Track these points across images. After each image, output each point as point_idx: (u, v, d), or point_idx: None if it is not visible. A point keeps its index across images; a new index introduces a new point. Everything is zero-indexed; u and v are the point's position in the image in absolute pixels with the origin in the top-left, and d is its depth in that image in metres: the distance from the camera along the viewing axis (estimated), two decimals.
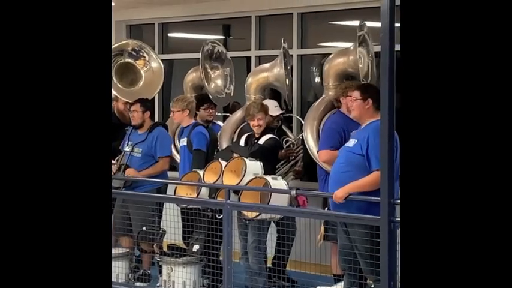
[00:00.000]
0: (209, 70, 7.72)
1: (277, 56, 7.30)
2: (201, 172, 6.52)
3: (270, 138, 6.62)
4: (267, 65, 7.44)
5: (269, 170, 6.34)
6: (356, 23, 8.13)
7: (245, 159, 6.27)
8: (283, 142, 7.10)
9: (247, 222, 6.32)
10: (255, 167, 6.20)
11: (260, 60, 8.45)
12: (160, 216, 7.04)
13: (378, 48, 5.41)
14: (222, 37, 9.25)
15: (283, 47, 7.25)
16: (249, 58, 8.57)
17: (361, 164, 5.40)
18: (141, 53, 8.07)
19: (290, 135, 7.27)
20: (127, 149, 7.25)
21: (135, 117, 7.29)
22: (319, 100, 6.93)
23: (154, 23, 9.45)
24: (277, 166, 6.92)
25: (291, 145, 7.14)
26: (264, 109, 6.73)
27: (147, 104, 7.41)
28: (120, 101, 7.87)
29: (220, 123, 7.73)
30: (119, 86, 7.93)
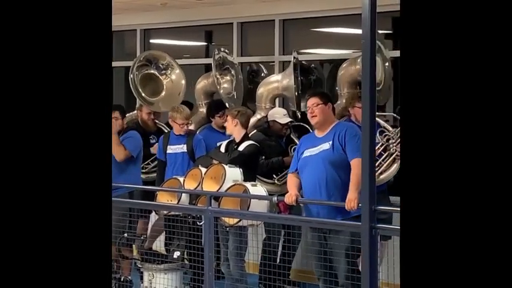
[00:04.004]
0: (218, 76, 7.86)
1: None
2: (181, 179, 6.50)
3: (249, 145, 6.61)
4: (279, 75, 7.67)
5: (249, 176, 6.32)
6: (337, 29, 8.15)
7: (225, 165, 6.27)
8: (292, 150, 7.21)
9: (228, 229, 6.30)
10: (234, 173, 6.20)
11: (242, 66, 8.45)
12: (131, 222, 7.03)
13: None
14: (204, 43, 9.25)
15: (294, 57, 7.31)
16: None
17: (348, 164, 5.49)
18: (168, 71, 8.20)
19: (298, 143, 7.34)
20: None
21: (116, 124, 7.22)
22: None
23: (136, 29, 9.44)
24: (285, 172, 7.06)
25: None
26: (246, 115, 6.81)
27: (123, 110, 7.45)
28: (144, 110, 7.96)
29: None
30: (144, 95, 8.04)
